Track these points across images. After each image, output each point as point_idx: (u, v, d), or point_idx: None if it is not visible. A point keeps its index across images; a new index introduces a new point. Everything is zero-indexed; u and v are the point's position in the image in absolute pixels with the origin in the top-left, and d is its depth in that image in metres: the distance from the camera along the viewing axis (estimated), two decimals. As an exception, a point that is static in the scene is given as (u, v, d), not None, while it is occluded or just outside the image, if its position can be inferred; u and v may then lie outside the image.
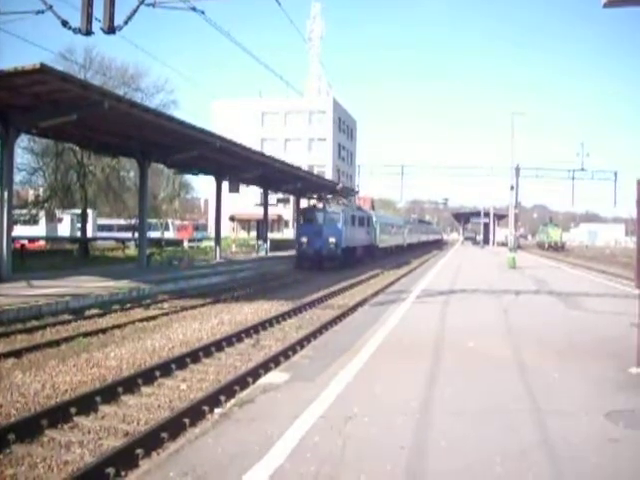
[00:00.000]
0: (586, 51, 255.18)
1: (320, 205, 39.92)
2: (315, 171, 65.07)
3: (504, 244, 68.72)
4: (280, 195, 63.85)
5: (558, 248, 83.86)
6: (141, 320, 16.20)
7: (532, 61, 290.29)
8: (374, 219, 49.51)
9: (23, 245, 39.67)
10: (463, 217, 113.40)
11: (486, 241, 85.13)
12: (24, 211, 48.02)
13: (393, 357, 9.80)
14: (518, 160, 47.35)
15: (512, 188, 44.52)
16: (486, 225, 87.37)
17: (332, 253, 35.91)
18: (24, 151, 45.22)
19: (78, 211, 50.35)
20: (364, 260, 42.85)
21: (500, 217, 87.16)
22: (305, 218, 38.57)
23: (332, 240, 35.81)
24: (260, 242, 51.17)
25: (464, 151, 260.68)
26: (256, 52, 19.10)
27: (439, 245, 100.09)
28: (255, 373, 10.26)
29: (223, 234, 43.66)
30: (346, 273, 32.62)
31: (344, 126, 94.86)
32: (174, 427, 7.60)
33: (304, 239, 36.48)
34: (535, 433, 6.25)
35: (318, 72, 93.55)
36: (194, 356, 11.83)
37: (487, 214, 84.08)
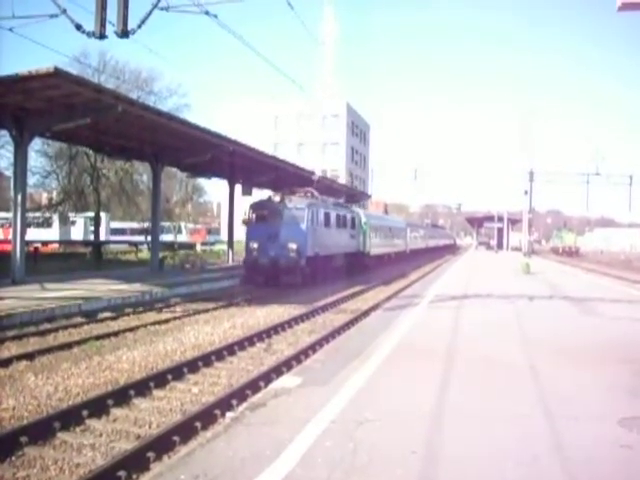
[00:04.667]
0: (601, 54, 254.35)
1: (277, 197, 28.77)
2: (328, 175, 64.97)
3: (518, 249, 68.53)
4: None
5: (572, 253, 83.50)
6: (153, 323, 16.22)
7: (548, 65, 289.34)
8: (362, 219, 39.54)
9: (37, 248, 39.83)
10: (477, 222, 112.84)
11: (500, 246, 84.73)
12: (38, 214, 48.40)
13: (406, 361, 9.76)
14: (532, 165, 47.04)
15: (526, 193, 44.39)
16: (500, 230, 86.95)
17: (292, 264, 26.24)
18: (38, 154, 45.71)
19: (91, 214, 50.65)
20: (347, 272, 33.36)
21: (514, 222, 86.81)
22: (257, 216, 28.33)
23: (292, 246, 26.33)
24: None
25: (478, 156, 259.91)
26: (269, 56, 19.11)
27: (451, 250, 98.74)
28: (267, 377, 10.23)
29: (236, 237, 43.72)
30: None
31: (357, 130, 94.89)
32: (186, 430, 7.58)
33: (254, 244, 27.09)
34: (548, 438, 6.18)
35: (331, 76, 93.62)
36: (206, 360, 11.81)
37: (501, 219, 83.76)
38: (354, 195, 56.63)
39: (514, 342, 11.70)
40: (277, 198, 28.45)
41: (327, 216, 30.56)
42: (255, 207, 28.94)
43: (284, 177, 38.81)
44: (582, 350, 11.01)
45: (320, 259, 28.85)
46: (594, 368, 9.46)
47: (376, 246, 42.78)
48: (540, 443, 6.05)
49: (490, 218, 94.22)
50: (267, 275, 26.50)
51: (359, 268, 36.52)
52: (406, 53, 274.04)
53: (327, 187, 41.99)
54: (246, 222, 28.43)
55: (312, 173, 40.72)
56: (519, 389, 8.15)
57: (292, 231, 26.71)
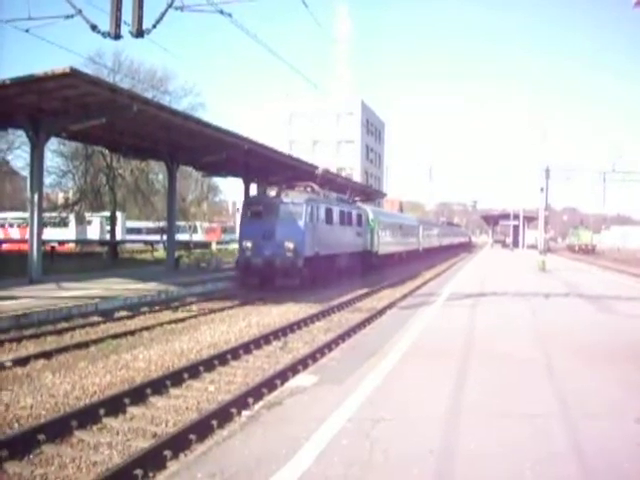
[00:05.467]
0: (617, 51, 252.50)
1: (272, 192, 26.84)
2: (343, 173, 64.81)
3: (534, 247, 68.13)
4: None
5: (589, 251, 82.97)
6: (169, 322, 16.27)
7: (564, 62, 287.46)
8: (370, 216, 37.41)
9: (53, 247, 40.10)
10: (492, 219, 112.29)
11: (516, 244, 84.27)
12: (54, 214, 48.65)
13: (422, 359, 9.74)
14: (548, 162, 46.64)
15: (542, 190, 44.00)
16: (515, 227, 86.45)
17: (289, 265, 24.09)
18: (54, 154, 45.94)
19: (107, 214, 50.86)
20: (353, 273, 30.72)
21: (530, 219, 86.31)
22: (251, 212, 26.33)
23: (289, 245, 24.16)
24: None
25: (493, 153, 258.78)
26: (283, 54, 19.09)
27: (467, 248, 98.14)
28: (283, 376, 10.22)
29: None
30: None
31: (372, 128, 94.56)
32: (202, 429, 7.60)
33: (248, 243, 24.91)
34: (565, 437, 6.14)
35: (345, 74, 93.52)
36: (222, 358, 11.84)
37: (516, 216, 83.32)
38: (369, 193, 56.37)
39: (530, 340, 11.64)
40: (272, 193, 26.54)
41: (329, 212, 28.46)
42: (249, 203, 27.52)
43: (299, 175, 38.69)
44: (599, 348, 10.95)
45: (321, 259, 26.72)
46: (611, 366, 9.39)
47: (385, 245, 40.68)
48: (557, 441, 6.02)
49: (506, 216, 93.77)
50: (262, 277, 24.85)
51: (366, 269, 33.96)
52: (421, 51, 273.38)
53: (330, 181, 38.46)
54: (241, 217, 26.76)
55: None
56: (535, 387, 8.11)
57: (289, 229, 24.66)
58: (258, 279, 24.91)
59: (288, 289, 23.85)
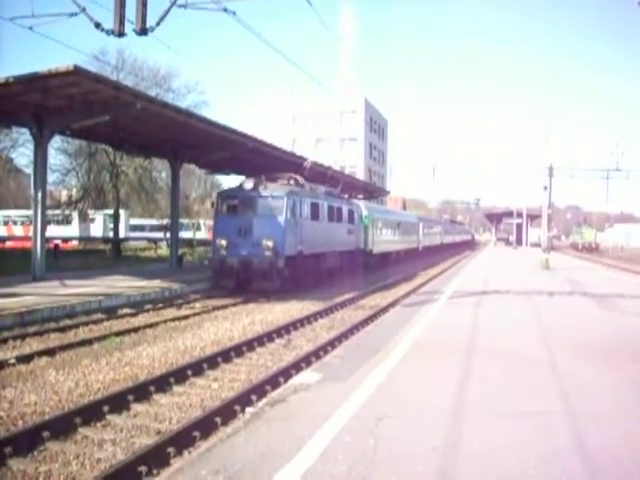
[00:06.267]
0: (619, 49, 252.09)
1: (249, 184, 23.34)
2: (346, 171, 64.71)
3: (537, 245, 68.10)
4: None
5: (592, 249, 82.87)
6: (173, 319, 16.29)
7: (567, 60, 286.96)
8: (364, 212, 35.15)
9: (57, 245, 40.18)
10: (495, 217, 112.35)
11: (519, 242, 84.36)
12: (57, 211, 48.71)
13: (425, 358, 9.74)
14: (551, 160, 46.56)
15: (545, 188, 43.92)
16: (519, 226, 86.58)
17: (267, 265, 21.66)
18: (57, 152, 46.03)
19: (110, 211, 50.95)
20: (343, 273, 28.78)
21: (533, 217, 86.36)
22: (227, 207, 23.96)
23: (267, 243, 21.78)
24: None
25: (496, 151, 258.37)
26: (287, 52, 19.07)
27: (470, 246, 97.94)
28: (286, 373, 10.23)
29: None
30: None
31: (375, 126, 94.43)
32: (205, 426, 7.61)
33: (222, 241, 22.46)
34: (568, 435, 6.14)
35: (349, 72, 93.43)
36: (225, 355, 11.86)
37: (520, 214, 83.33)
38: (372, 191, 56.30)
39: (534, 338, 11.62)
40: (249, 185, 23.29)
41: (315, 207, 25.91)
42: (224, 196, 24.76)
43: (302, 173, 38.51)
44: (603, 346, 10.93)
45: (304, 259, 24.28)
46: (614, 364, 9.38)
47: (381, 243, 38.52)
48: (561, 440, 6.01)
49: (509, 214, 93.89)
50: (237, 278, 22.21)
51: (359, 268, 31.93)
52: (424, 49, 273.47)
53: (321, 175, 35.72)
54: (214, 213, 24.33)
55: (328, 168, 38.16)
56: (539, 386, 8.09)
57: (268, 225, 22.28)
58: (233, 281, 22.28)
59: (266, 292, 21.59)
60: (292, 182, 26.05)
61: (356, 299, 22.02)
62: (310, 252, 24.89)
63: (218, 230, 23.30)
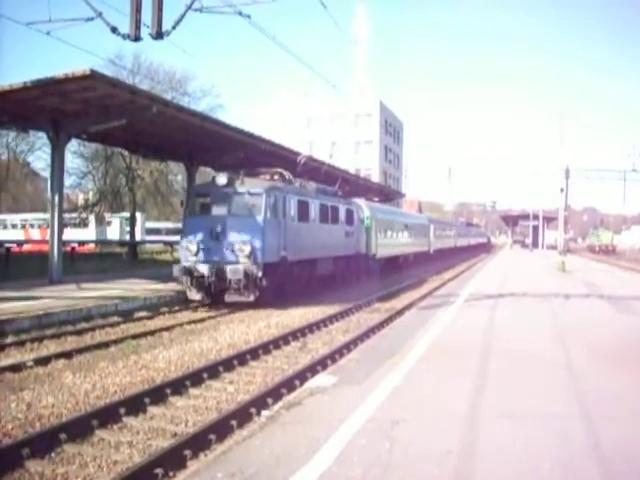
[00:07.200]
0: (634, 51, 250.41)
1: (223, 179, 20.00)
2: (362, 174, 64.59)
3: (554, 247, 67.71)
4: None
5: (609, 251, 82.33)
6: (189, 322, 16.34)
7: (582, 60, 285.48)
8: (365, 212, 31.64)
9: (73, 248, 40.28)
10: (511, 220, 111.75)
11: (535, 244, 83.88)
12: (74, 215, 49.03)
13: (440, 361, 9.71)
14: (568, 162, 46.35)
15: (562, 190, 43.74)
16: (535, 228, 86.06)
17: (242, 275, 18.34)
18: (74, 155, 46.30)
19: (127, 214, 51.15)
20: (340, 281, 26.57)
21: (549, 220, 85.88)
22: (198, 205, 21.10)
23: (244, 248, 18.63)
24: None
25: (512, 153, 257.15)
26: (302, 55, 19.07)
27: (485, 249, 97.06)
28: (302, 376, 10.22)
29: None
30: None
31: (391, 128, 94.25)
32: (221, 429, 7.61)
33: (191, 246, 19.34)
34: (584, 438, 6.10)
35: (363, 74, 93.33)
36: (241, 358, 11.85)
37: (536, 216, 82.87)
38: (387, 193, 56.18)
39: (550, 341, 11.57)
40: (223, 179, 20.00)
41: (304, 206, 22.61)
42: (196, 193, 22.09)
43: (317, 176, 38.54)
44: (619, 349, 10.87)
45: (290, 266, 21.06)
46: (631, 366, 9.33)
47: (385, 247, 34.60)
48: (577, 442, 5.97)
49: (525, 216, 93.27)
50: (208, 290, 19.11)
51: (360, 275, 29.41)
52: (438, 51, 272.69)
53: (314, 170, 32.30)
54: (184, 211, 21.82)
55: (344, 172, 37.00)
56: (555, 388, 8.05)
57: (243, 226, 19.16)
58: (203, 293, 19.35)
59: (241, 306, 19.01)
60: (277, 177, 22.89)
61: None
62: (297, 258, 21.61)
63: (187, 232, 20.19)
